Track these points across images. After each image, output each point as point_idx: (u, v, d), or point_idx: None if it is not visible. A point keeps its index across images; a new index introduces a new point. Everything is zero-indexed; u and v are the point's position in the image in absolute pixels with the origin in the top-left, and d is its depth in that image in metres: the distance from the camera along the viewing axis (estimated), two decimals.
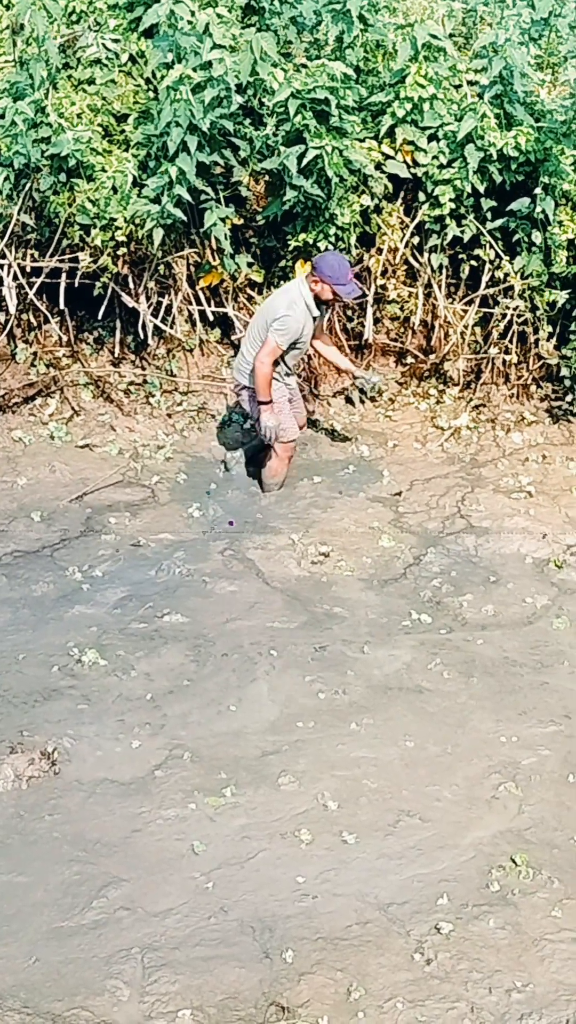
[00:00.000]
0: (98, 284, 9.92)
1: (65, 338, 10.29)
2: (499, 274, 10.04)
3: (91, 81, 9.78)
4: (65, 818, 6.60)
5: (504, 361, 10.38)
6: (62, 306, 10.02)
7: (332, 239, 9.74)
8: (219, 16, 9.20)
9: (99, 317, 10.21)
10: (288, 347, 8.95)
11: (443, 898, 6.13)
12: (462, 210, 9.88)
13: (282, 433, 9.23)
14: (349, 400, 10.50)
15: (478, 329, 10.46)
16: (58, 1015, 5.46)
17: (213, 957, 5.79)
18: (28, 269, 9.89)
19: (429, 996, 5.60)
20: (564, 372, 10.22)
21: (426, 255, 10.18)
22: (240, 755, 7.05)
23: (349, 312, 10.53)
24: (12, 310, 9.86)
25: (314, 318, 9.01)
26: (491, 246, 9.99)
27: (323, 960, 5.77)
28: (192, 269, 10.18)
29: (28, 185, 9.52)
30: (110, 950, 5.82)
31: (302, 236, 9.75)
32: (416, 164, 9.79)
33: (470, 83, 9.79)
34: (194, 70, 8.98)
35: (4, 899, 6.08)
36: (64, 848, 6.41)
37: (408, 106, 9.51)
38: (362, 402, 9.57)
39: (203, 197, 9.63)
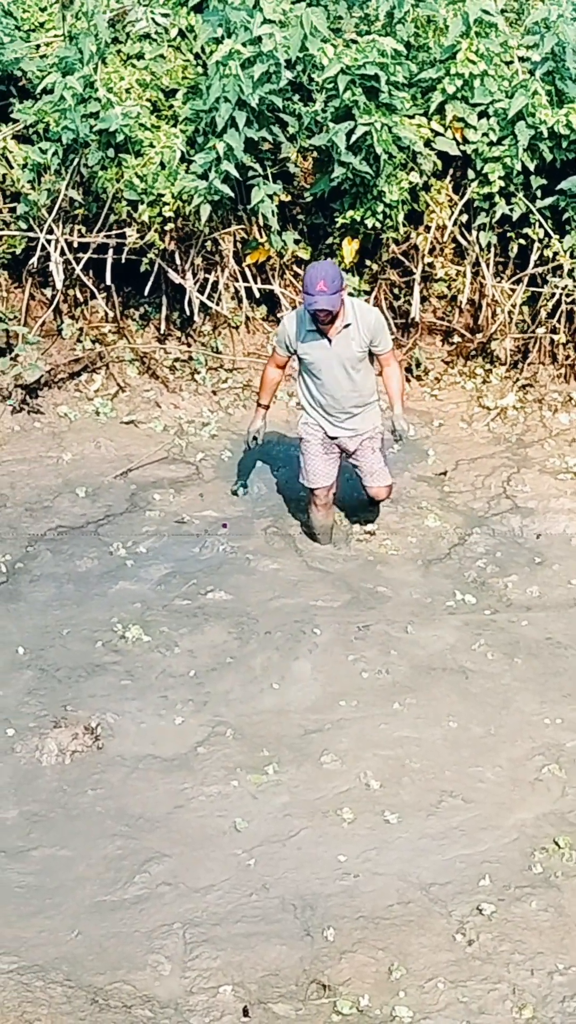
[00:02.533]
0: (145, 260, 9.90)
1: (111, 314, 10.28)
2: (548, 253, 9.92)
3: (140, 56, 9.74)
4: (108, 793, 6.63)
5: (552, 341, 10.28)
6: (108, 282, 10.01)
7: (380, 216, 9.67)
8: None
9: (145, 293, 10.19)
10: (304, 371, 8.15)
11: (485, 879, 6.11)
12: (511, 188, 9.78)
13: (304, 478, 8.51)
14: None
15: (526, 308, 10.37)
16: (100, 988, 5.48)
17: (254, 934, 5.80)
18: (75, 244, 9.88)
19: (471, 977, 5.59)
20: None
21: (474, 233, 10.09)
22: (282, 733, 7.05)
23: (396, 291, 10.46)
24: (59, 285, 9.85)
25: (311, 331, 7.94)
26: (540, 224, 9.89)
27: (364, 939, 5.77)
28: (239, 246, 10.15)
29: (76, 160, 9.50)
30: (152, 925, 5.84)
31: (350, 213, 9.70)
32: (466, 141, 9.70)
33: (521, 59, 9.68)
34: (244, 45, 8.94)
35: (47, 873, 6.11)
36: (107, 823, 6.43)
37: (458, 82, 9.42)
38: (395, 439, 8.53)
39: (251, 173, 9.58)
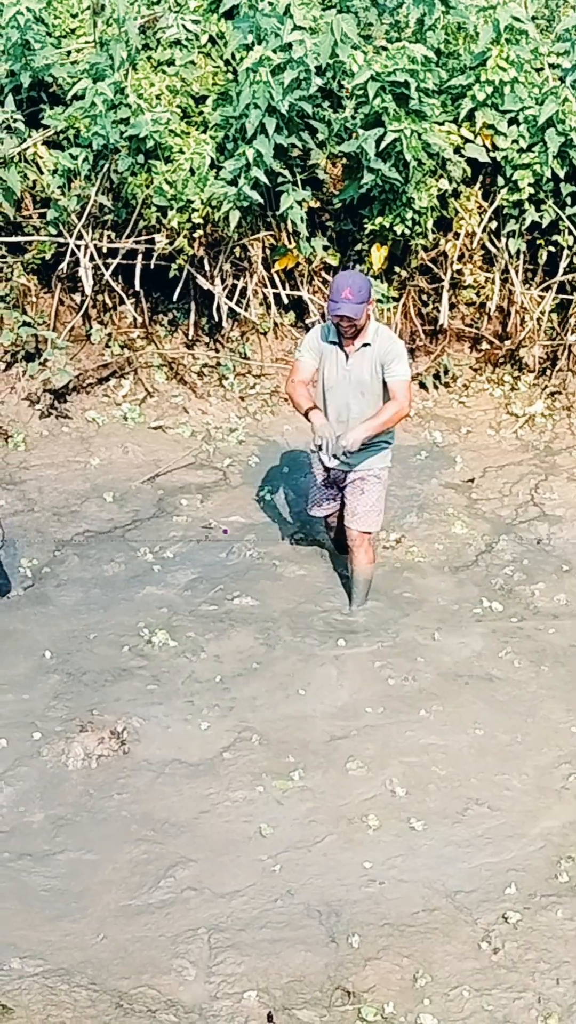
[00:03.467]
0: (173, 266, 9.93)
1: (140, 319, 10.30)
2: None
3: (170, 62, 9.77)
4: (134, 797, 6.63)
5: None
6: (137, 287, 10.04)
7: (409, 223, 9.68)
8: None
9: (174, 299, 10.21)
10: (319, 382, 7.74)
11: (511, 887, 6.09)
12: (541, 195, 9.78)
13: (309, 504, 8.31)
14: (423, 385, 10.43)
15: (555, 315, 10.37)
16: (124, 993, 5.48)
17: (279, 940, 5.79)
18: (104, 250, 9.91)
19: (496, 985, 5.57)
20: None
21: (503, 240, 10.10)
22: (308, 739, 7.05)
23: (424, 297, 10.46)
24: (88, 291, 9.88)
25: (333, 343, 7.62)
26: (570, 232, 9.88)
27: (389, 946, 5.75)
28: (268, 252, 10.16)
29: (106, 166, 9.53)
30: (177, 930, 5.83)
31: (379, 220, 9.71)
32: (495, 148, 9.71)
33: (552, 67, 9.70)
34: (274, 52, 8.97)
35: (73, 876, 6.11)
36: (132, 827, 6.43)
37: (489, 89, 9.44)
38: (316, 448, 7.62)
39: (280, 180, 9.61)
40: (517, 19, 9.34)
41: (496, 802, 6.63)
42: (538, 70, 9.71)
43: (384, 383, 7.61)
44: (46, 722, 7.07)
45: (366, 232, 9.91)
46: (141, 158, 9.43)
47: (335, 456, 7.61)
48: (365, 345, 7.56)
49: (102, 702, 7.22)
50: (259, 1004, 5.45)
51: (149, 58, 9.81)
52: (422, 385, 10.47)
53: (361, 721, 7.18)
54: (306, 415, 7.70)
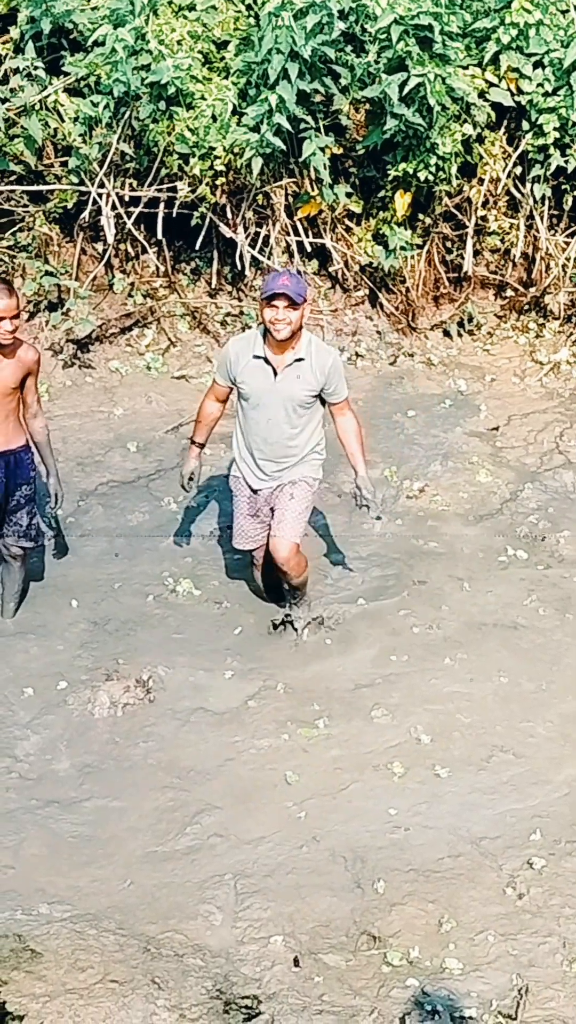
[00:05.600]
0: (196, 214, 9.87)
1: (162, 268, 10.25)
2: None
3: (192, 7, 9.67)
4: (159, 745, 6.66)
5: None
6: (160, 236, 9.98)
7: (433, 169, 9.59)
8: None
9: (196, 247, 10.15)
10: (240, 407, 7.07)
11: (536, 834, 6.10)
12: (566, 139, 9.68)
13: (235, 537, 7.51)
14: (447, 333, 10.37)
15: None
16: (152, 937, 5.52)
17: (305, 885, 5.82)
18: (126, 199, 9.85)
19: (521, 930, 5.59)
20: None
21: (528, 185, 10.01)
22: (333, 687, 7.06)
23: (448, 244, 10.38)
24: (110, 240, 9.83)
25: (258, 358, 6.87)
26: None
27: (415, 892, 5.78)
28: (290, 199, 10.09)
29: (127, 113, 9.45)
30: (203, 876, 5.87)
31: (402, 166, 9.62)
32: (520, 92, 9.60)
33: None
34: None
35: (100, 823, 6.16)
36: (158, 775, 6.47)
37: (513, 32, 9.32)
38: (358, 506, 7.29)
39: (302, 126, 9.52)
40: None
41: (520, 749, 6.64)
42: (563, 12, 9.57)
43: (320, 400, 7.01)
44: (72, 671, 7.10)
45: (389, 178, 9.82)
46: (163, 105, 9.35)
47: (365, 507, 7.21)
48: (299, 360, 6.84)
49: (127, 651, 7.25)
50: (285, 949, 5.49)
51: (170, 3, 9.69)
52: (446, 333, 10.41)
53: (386, 669, 7.19)
54: (191, 441, 7.34)
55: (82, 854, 5.98)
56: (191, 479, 7.37)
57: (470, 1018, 5.13)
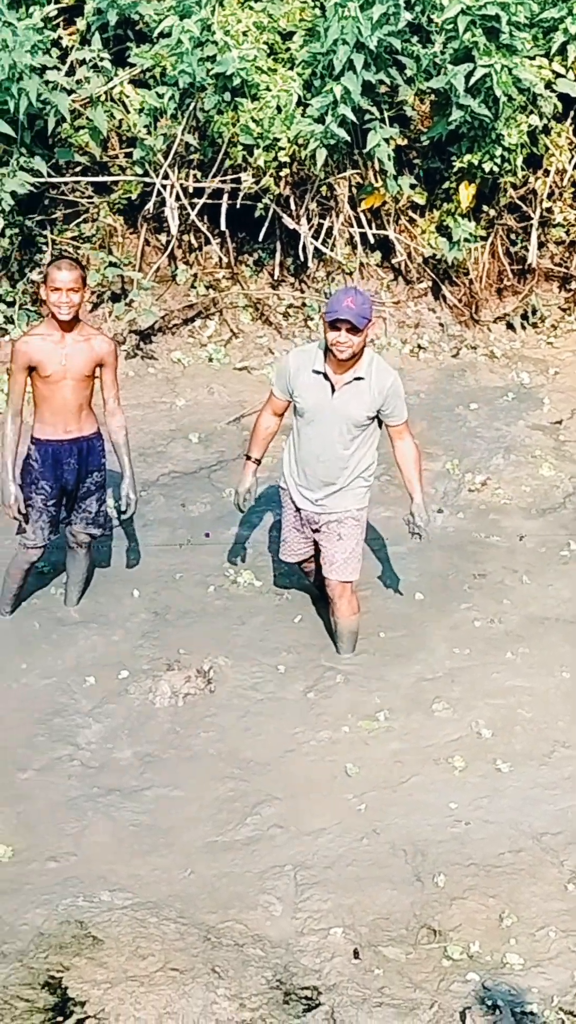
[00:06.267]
0: (259, 205, 9.87)
1: (225, 260, 10.27)
2: None
3: None
4: (220, 736, 6.67)
5: None
6: (223, 227, 10.00)
7: (498, 160, 9.54)
8: None
9: (259, 239, 10.16)
10: (296, 421, 6.86)
11: None
12: None
13: (282, 549, 7.35)
14: (510, 326, 10.31)
15: None
16: (212, 927, 5.54)
17: (365, 878, 5.82)
18: (190, 190, 9.87)
19: None
20: None
21: None
22: (394, 681, 7.05)
23: (513, 236, 10.32)
24: (174, 231, 9.86)
25: (317, 373, 6.62)
26: None
27: (475, 886, 5.76)
28: (354, 190, 10.07)
29: (192, 105, 9.47)
30: (263, 866, 5.88)
31: (467, 157, 9.57)
32: None
33: None
34: None
35: (161, 812, 6.18)
36: (219, 765, 6.48)
37: None
38: (411, 532, 6.95)
39: (367, 117, 9.51)
40: None
41: None
42: None
43: (377, 421, 6.78)
44: (133, 660, 7.13)
45: (454, 170, 9.78)
46: (228, 96, 9.35)
47: (419, 535, 6.94)
48: (358, 379, 6.60)
49: (188, 641, 7.27)
50: (345, 940, 5.49)
51: None
52: (510, 326, 10.36)
53: (447, 663, 7.17)
54: (247, 457, 7.12)
55: (143, 842, 6.01)
56: (247, 497, 7.13)
57: (531, 1013, 5.10)
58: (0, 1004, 5.12)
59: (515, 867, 5.86)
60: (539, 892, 5.73)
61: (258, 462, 7.11)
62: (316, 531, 7.00)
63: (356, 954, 5.42)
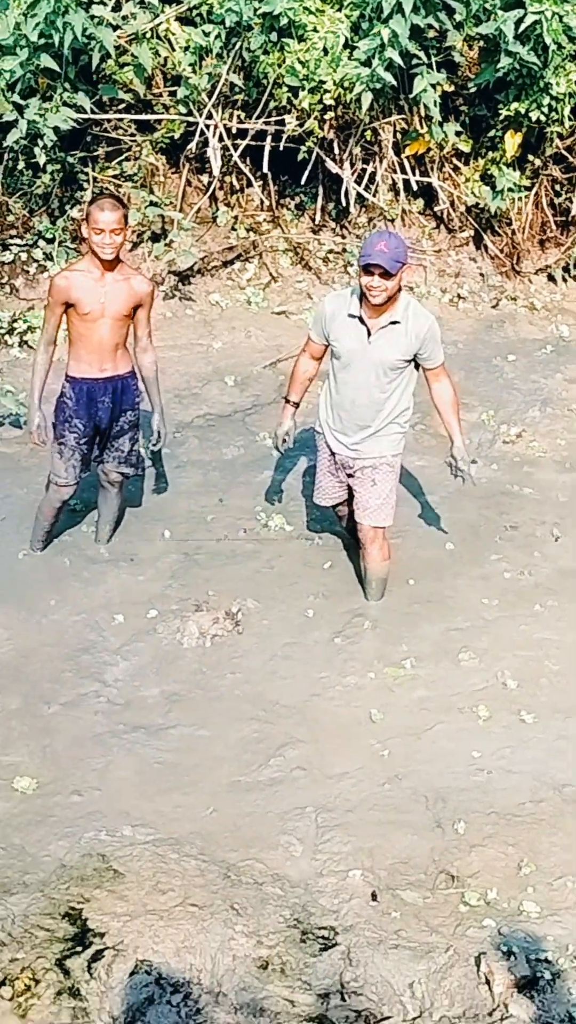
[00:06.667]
0: (303, 148, 9.80)
1: (267, 203, 10.22)
2: None
3: None
4: (246, 678, 6.71)
5: None
6: (265, 170, 9.94)
7: (545, 109, 9.44)
8: None
9: (301, 183, 10.11)
10: (332, 365, 6.82)
11: None
12: None
13: (316, 492, 7.37)
14: (552, 278, 10.21)
15: None
16: (232, 864, 5.59)
17: (385, 822, 5.85)
18: (234, 131, 9.81)
19: None
20: None
21: None
22: (421, 628, 7.06)
23: (558, 187, 10.22)
24: (216, 172, 9.81)
25: (352, 317, 6.59)
26: None
27: (495, 834, 5.78)
28: (399, 136, 9.99)
29: (238, 44, 9.39)
30: (285, 807, 5.92)
31: (514, 105, 9.47)
32: None
33: None
34: None
35: (185, 751, 6.22)
36: (244, 706, 6.52)
37: None
38: (454, 475, 7.04)
39: (414, 61, 9.40)
40: None
41: None
42: None
43: (414, 364, 6.74)
44: (162, 601, 7.16)
45: (500, 118, 9.69)
46: (274, 36, 9.27)
47: (462, 478, 6.99)
48: (394, 323, 6.56)
49: (217, 583, 7.29)
50: (364, 883, 5.53)
51: None
52: (551, 278, 10.29)
53: (475, 613, 7.18)
54: (285, 400, 7.17)
55: (167, 780, 6.05)
56: (285, 439, 7.15)
57: (546, 960, 5.13)
58: (21, 932, 5.19)
59: (535, 817, 5.88)
60: (558, 842, 5.75)
61: (296, 405, 7.12)
62: (350, 476, 6.99)
63: (374, 896, 5.46)
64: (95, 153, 9.93)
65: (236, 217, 10.21)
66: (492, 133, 9.92)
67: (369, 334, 6.59)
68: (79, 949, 5.13)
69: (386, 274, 6.32)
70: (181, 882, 5.47)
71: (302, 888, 5.50)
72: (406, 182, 10.15)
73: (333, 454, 7.00)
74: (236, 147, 9.83)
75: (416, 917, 5.37)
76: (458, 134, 9.96)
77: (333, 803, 5.95)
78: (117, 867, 5.53)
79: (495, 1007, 4.98)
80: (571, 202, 10.10)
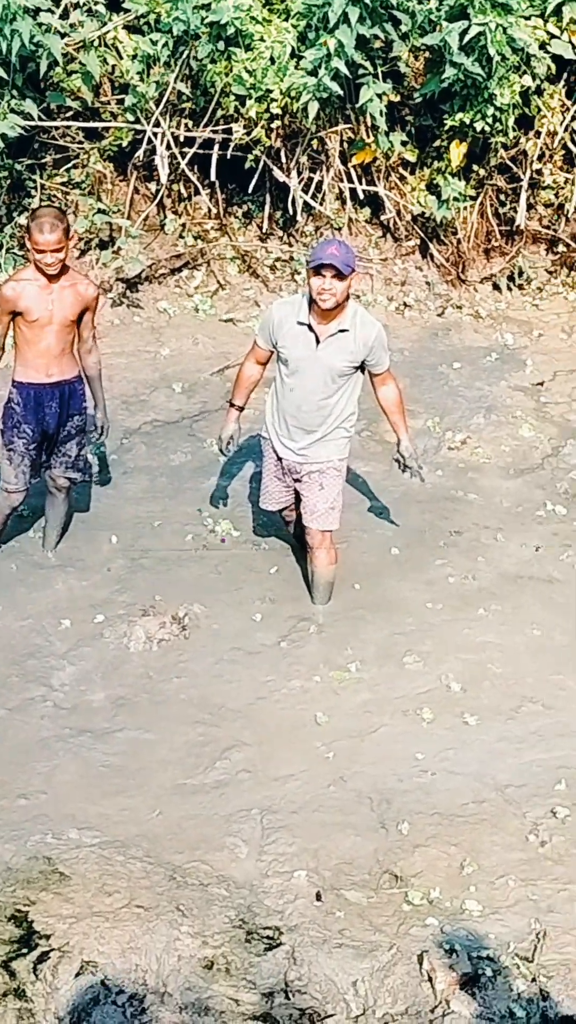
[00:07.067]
0: (250, 157, 9.86)
1: (214, 211, 10.27)
2: None
3: None
4: (192, 682, 6.74)
5: None
6: (213, 178, 9.99)
7: (490, 120, 9.54)
8: None
9: (249, 191, 10.16)
10: (279, 371, 6.87)
11: (561, 784, 6.15)
12: None
13: (262, 497, 7.42)
14: (496, 287, 10.32)
15: None
16: (178, 867, 5.62)
17: (330, 823, 5.90)
18: (181, 139, 9.86)
19: (541, 876, 5.65)
20: None
21: None
22: (366, 632, 7.12)
23: (502, 197, 10.33)
24: (164, 180, 9.85)
25: (301, 324, 6.64)
26: None
27: (438, 834, 5.85)
28: (345, 145, 10.07)
29: (186, 53, 9.44)
30: (230, 809, 5.96)
31: (459, 116, 9.57)
32: None
33: None
34: None
35: (131, 755, 6.25)
36: (190, 710, 6.55)
37: None
38: (403, 471, 7.22)
39: (361, 71, 9.48)
40: None
41: (550, 701, 6.68)
42: None
43: (360, 369, 6.82)
44: (109, 606, 7.19)
45: (446, 128, 9.78)
46: (221, 45, 9.33)
47: (411, 474, 7.18)
48: (342, 331, 6.62)
49: (164, 588, 7.33)
50: (308, 883, 5.57)
51: None
52: (496, 286, 10.39)
53: (420, 617, 7.25)
54: (230, 404, 7.21)
55: (113, 783, 6.08)
56: (230, 443, 7.20)
57: (488, 958, 5.20)
58: None
59: (478, 817, 5.95)
60: (500, 842, 5.83)
61: (241, 409, 7.17)
62: (297, 480, 7.05)
63: (318, 897, 5.51)
64: (43, 160, 9.95)
65: (184, 225, 10.25)
66: (437, 143, 10.02)
67: (318, 342, 6.64)
68: (24, 951, 5.15)
69: (338, 275, 6.37)
70: (127, 884, 5.50)
71: (247, 889, 5.54)
72: (352, 191, 10.23)
73: (279, 459, 7.05)
74: (184, 155, 9.88)
75: (360, 916, 5.43)
76: (404, 144, 10.05)
77: (278, 805, 6.00)
78: (63, 870, 5.55)
79: (437, 1004, 5.04)
80: (515, 212, 10.21)
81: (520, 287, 10.35)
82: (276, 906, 5.46)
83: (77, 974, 5.06)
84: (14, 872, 5.52)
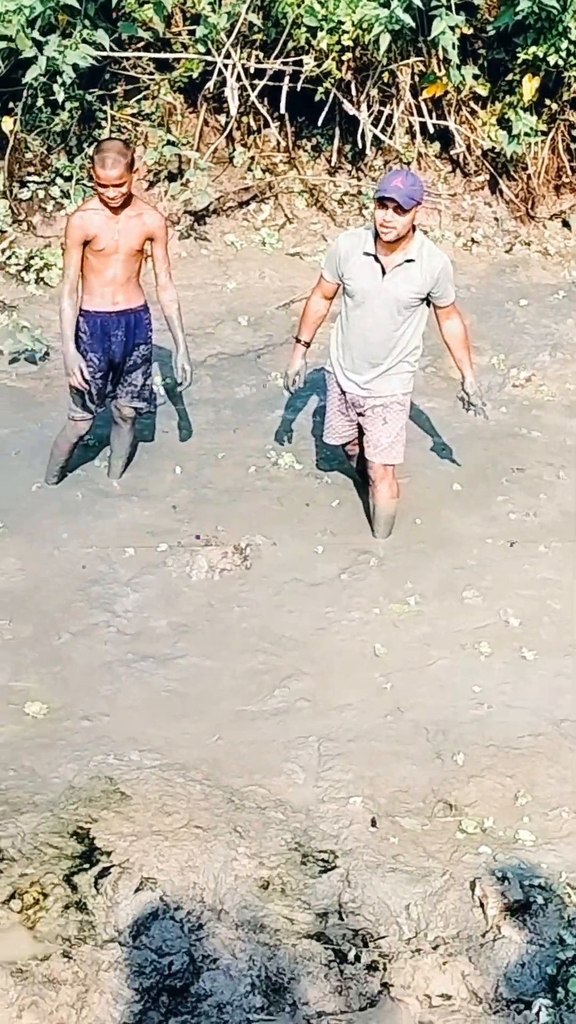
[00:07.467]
0: (320, 89, 9.81)
1: (283, 144, 10.24)
2: None
3: None
4: (253, 611, 6.83)
5: None
6: (283, 111, 9.96)
7: (563, 53, 9.42)
8: None
9: (318, 124, 10.12)
10: (344, 304, 6.84)
11: None
12: None
13: (326, 431, 7.44)
14: (566, 223, 10.24)
15: None
16: (236, 790, 5.74)
17: (386, 752, 5.99)
18: (252, 71, 9.82)
19: None
20: None
21: None
22: (426, 567, 7.17)
23: (574, 132, 10.22)
24: (233, 112, 9.83)
25: (368, 255, 6.61)
26: None
27: (493, 766, 5.92)
28: (416, 79, 9.99)
29: None
30: (289, 736, 6.06)
31: (532, 49, 9.46)
32: None
33: None
34: None
35: (192, 681, 6.36)
36: (251, 639, 6.65)
37: None
38: (466, 409, 7.21)
39: (433, 3, 9.38)
40: None
41: None
42: None
43: (425, 302, 6.77)
44: (172, 535, 7.28)
45: (518, 62, 9.68)
46: None
47: (475, 412, 7.16)
48: (408, 261, 6.59)
49: (227, 519, 7.40)
50: (364, 809, 5.67)
51: None
52: (565, 224, 10.30)
53: (480, 552, 7.28)
54: (296, 339, 7.18)
55: (174, 708, 6.19)
56: (296, 379, 7.18)
57: (539, 886, 5.27)
58: (31, 849, 5.35)
59: (533, 750, 6.01)
60: (555, 774, 5.89)
61: (307, 345, 7.17)
62: (361, 415, 7.07)
63: (373, 823, 5.60)
64: (113, 91, 9.96)
65: (252, 158, 10.24)
66: (510, 77, 9.92)
67: (384, 272, 6.62)
68: (86, 866, 5.29)
69: (399, 209, 6.35)
70: (186, 805, 5.62)
71: (303, 813, 5.65)
72: (423, 125, 10.16)
73: (343, 393, 7.07)
74: (254, 87, 9.85)
75: (414, 843, 5.52)
76: (476, 77, 9.95)
77: (336, 733, 6.09)
78: (124, 789, 5.68)
79: (488, 929, 5.13)
80: None
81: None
82: (332, 831, 5.56)
83: (137, 890, 5.19)
84: (77, 791, 5.66)
